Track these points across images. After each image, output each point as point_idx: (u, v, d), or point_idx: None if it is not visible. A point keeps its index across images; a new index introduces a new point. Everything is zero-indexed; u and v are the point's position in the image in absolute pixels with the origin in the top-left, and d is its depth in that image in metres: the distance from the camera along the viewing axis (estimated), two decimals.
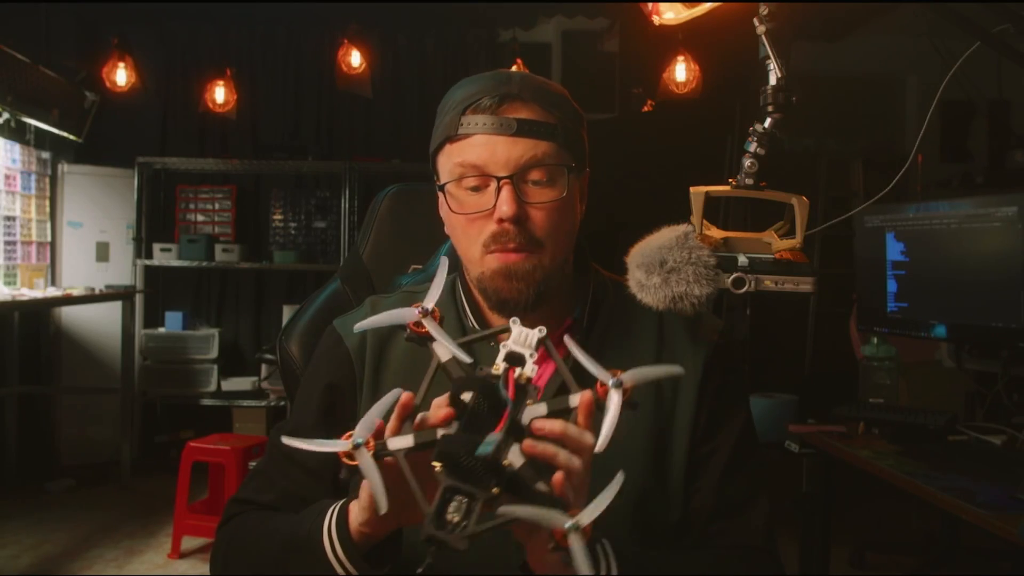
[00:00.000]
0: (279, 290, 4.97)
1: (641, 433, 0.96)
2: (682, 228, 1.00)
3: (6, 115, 4.01)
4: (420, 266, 1.34)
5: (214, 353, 4.66)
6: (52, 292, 4.04)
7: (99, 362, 4.54)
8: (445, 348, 0.81)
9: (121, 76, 4.23)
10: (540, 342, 0.79)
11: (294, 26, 4.87)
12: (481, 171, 0.93)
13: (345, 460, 0.73)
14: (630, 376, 0.76)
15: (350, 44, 4.26)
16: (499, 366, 0.77)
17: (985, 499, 1.58)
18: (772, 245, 1.08)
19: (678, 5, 1.28)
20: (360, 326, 0.86)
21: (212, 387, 4.63)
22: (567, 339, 0.80)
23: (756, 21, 1.07)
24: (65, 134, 4.35)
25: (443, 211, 1.01)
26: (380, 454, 0.74)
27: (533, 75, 1.00)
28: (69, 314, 4.50)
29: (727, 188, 1.09)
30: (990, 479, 1.74)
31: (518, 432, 0.73)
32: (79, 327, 4.53)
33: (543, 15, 4.72)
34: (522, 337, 0.79)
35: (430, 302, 0.84)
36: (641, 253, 0.99)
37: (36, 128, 4.30)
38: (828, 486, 2.29)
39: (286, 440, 0.78)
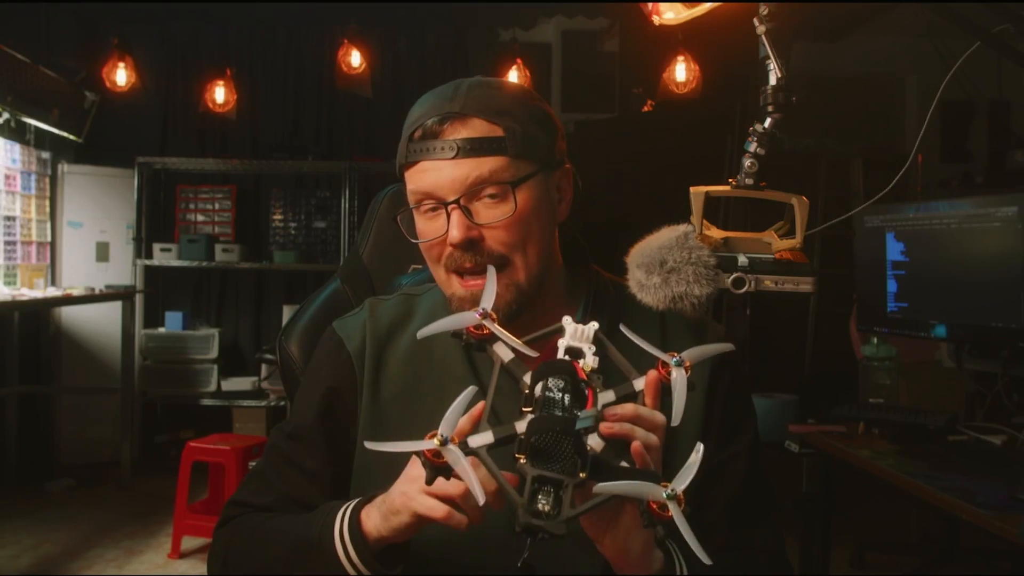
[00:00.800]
0: (279, 290, 4.97)
1: None
2: (682, 228, 1.00)
3: (6, 115, 4.01)
4: (420, 266, 1.34)
5: (214, 353, 4.66)
6: (52, 292, 4.04)
7: (99, 362, 4.54)
8: (505, 348, 0.83)
9: (121, 76, 4.24)
10: (596, 335, 0.82)
11: (294, 26, 4.87)
12: (431, 196, 0.93)
13: (432, 459, 0.72)
14: (689, 354, 0.80)
15: (350, 44, 4.26)
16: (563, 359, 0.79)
17: (985, 499, 1.58)
18: (772, 245, 1.08)
19: (678, 5, 1.28)
20: (424, 332, 0.84)
21: (212, 387, 4.63)
22: (622, 327, 0.84)
23: (756, 21, 1.07)
24: (65, 134, 4.36)
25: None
26: (466, 453, 0.73)
27: (484, 81, 0.96)
28: (69, 314, 4.50)
29: (727, 188, 1.09)
30: (990, 479, 1.74)
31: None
32: (79, 327, 4.53)
33: (543, 15, 4.71)
34: (578, 332, 0.82)
35: (488, 303, 0.84)
36: (641, 253, 0.99)
37: (36, 128, 4.30)
38: (828, 486, 2.29)
39: (369, 445, 0.74)
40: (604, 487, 0.69)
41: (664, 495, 0.69)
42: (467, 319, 0.83)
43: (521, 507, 0.69)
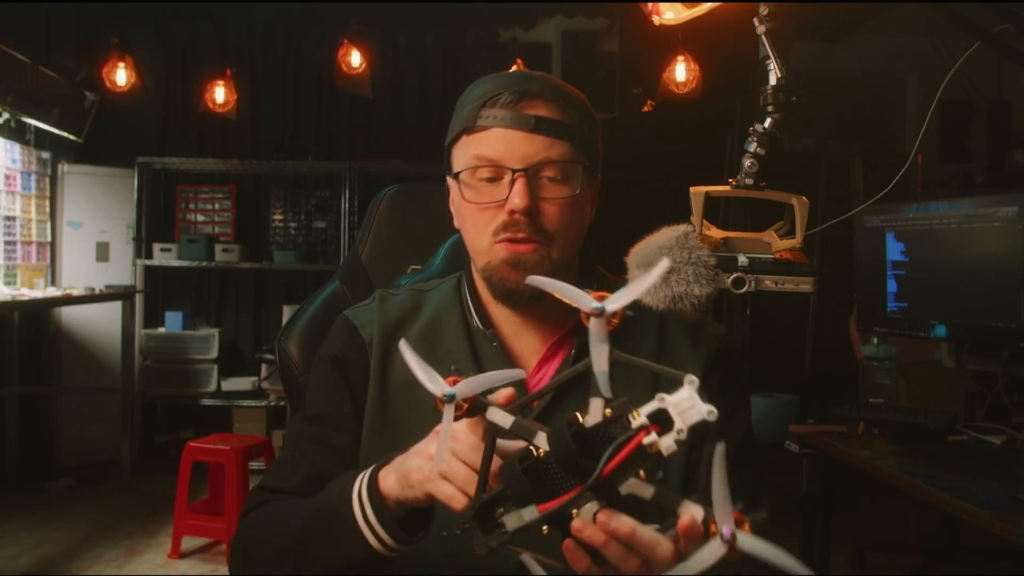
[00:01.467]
0: (279, 290, 4.97)
1: None
2: (682, 228, 1.00)
3: (6, 115, 4.01)
4: (419, 267, 1.34)
5: (214, 353, 4.65)
6: (52, 292, 4.04)
7: (99, 362, 4.54)
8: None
9: (121, 76, 4.23)
10: (698, 426, 0.63)
11: (294, 26, 4.87)
12: (497, 164, 0.95)
13: (438, 403, 0.69)
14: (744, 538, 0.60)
15: (350, 44, 4.26)
16: (642, 416, 0.64)
17: (985, 499, 1.58)
18: (772, 245, 1.08)
19: (678, 5, 1.28)
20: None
21: (212, 387, 4.63)
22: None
23: (756, 21, 1.07)
24: (65, 134, 4.36)
25: (453, 201, 1.03)
26: (475, 412, 0.70)
27: (551, 76, 1.01)
28: (69, 314, 4.50)
29: (727, 188, 1.09)
30: (990, 479, 1.74)
31: (607, 496, 0.65)
32: (79, 327, 4.53)
33: (543, 15, 4.71)
34: (686, 404, 0.63)
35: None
36: (641, 253, 0.99)
37: (36, 128, 4.30)
38: (828, 486, 2.29)
39: (402, 345, 0.72)
40: (528, 561, 0.65)
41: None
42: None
43: (474, 501, 0.67)
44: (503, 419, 0.70)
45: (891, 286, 2.41)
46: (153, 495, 4.04)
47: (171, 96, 4.90)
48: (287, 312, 4.65)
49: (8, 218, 4.13)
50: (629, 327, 1.02)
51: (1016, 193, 2.06)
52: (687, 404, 0.63)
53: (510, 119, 0.94)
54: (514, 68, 4.33)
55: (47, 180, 4.49)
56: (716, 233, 1.08)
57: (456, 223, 1.03)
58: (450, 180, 1.03)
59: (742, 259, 1.04)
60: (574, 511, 0.64)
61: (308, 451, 1.01)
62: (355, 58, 4.27)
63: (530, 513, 0.66)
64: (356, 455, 1.00)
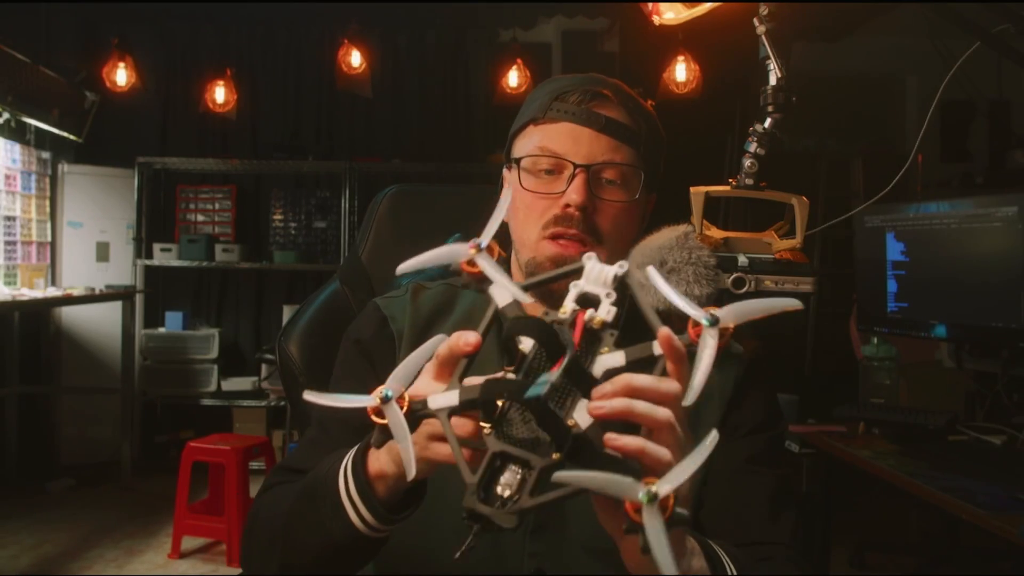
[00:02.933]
0: (279, 290, 4.97)
1: None
2: (682, 228, 1.00)
3: (6, 115, 4.01)
4: None
5: (214, 353, 4.65)
6: (52, 292, 4.04)
7: (99, 362, 4.54)
8: (504, 290, 0.67)
9: (121, 76, 4.24)
10: (618, 280, 0.65)
11: (294, 26, 4.87)
12: (560, 157, 0.95)
13: (374, 418, 0.64)
14: (729, 313, 0.62)
15: (350, 44, 4.26)
16: (567, 308, 0.65)
17: (985, 499, 1.58)
18: (772, 245, 1.08)
19: (678, 5, 1.28)
20: (403, 268, 0.72)
21: (212, 387, 4.63)
22: (651, 271, 0.68)
23: (756, 21, 1.07)
24: (65, 134, 4.36)
25: (506, 190, 0.99)
26: (418, 414, 0.64)
27: (627, 87, 1.01)
28: (69, 314, 4.50)
29: (727, 188, 1.09)
30: (990, 479, 1.74)
31: (586, 384, 0.61)
32: (79, 327, 4.53)
33: (543, 15, 4.71)
34: (596, 274, 0.66)
35: (486, 238, 0.69)
36: (641, 253, 0.99)
37: (36, 128, 4.30)
38: (828, 486, 2.29)
39: (308, 396, 0.68)
40: (565, 476, 0.54)
41: (641, 495, 0.52)
42: (459, 252, 0.68)
43: (469, 488, 0.58)
44: (448, 399, 0.63)
45: (891, 286, 2.41)
46: (153, 495, 4.04)
47: (171, 96, 4.90)
48: (287, 312, 4.65)
49: (8, 218, 4.13)
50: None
51: (1016, 193, 2.06)
52: (595, 272, 0.66)
53: (579, 115, 0.95)
54: (513, 68, 4.34)
55: (47, 180, 4.49)
56: (716, 233, 1.08)
57: (506, 215, 1.00)
58: (507, 170, 1.02)
59: (742, 259, 1.04)
60: (570, 422, 0.59)
61: (330, 429, 0.98)
62: (355, 58, 4.27)
63: (524, 433, 0.61)
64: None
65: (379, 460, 0.77)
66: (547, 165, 0.96)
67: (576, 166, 0.93)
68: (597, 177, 0.95)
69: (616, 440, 0.58)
